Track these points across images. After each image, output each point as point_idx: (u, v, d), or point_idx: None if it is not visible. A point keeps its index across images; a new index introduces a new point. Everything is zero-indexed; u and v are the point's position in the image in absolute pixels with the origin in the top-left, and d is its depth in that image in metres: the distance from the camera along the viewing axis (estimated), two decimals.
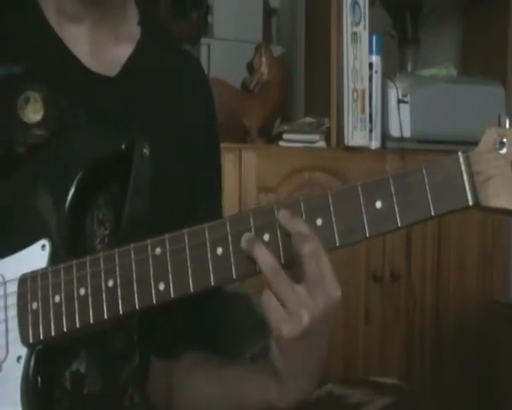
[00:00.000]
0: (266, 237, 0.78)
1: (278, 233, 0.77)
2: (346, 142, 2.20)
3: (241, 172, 2.10)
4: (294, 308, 0.75)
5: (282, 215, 0.77)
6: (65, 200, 0.88)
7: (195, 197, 1.02)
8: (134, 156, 0.87)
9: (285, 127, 2.26)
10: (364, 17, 2.21)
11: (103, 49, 0.99)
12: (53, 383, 0.90)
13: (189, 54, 1.16)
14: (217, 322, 1.07)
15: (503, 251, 2.37)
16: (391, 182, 0.76)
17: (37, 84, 0.92)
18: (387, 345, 2.25)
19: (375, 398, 1.81)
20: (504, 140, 0.74)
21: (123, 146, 0.88)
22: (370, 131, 2.23)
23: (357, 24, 2.21)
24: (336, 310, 0.78)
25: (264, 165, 2.12)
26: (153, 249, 0.81)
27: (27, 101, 0.92)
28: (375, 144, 2.25)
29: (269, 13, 2.74)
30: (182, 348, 1.03)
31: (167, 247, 0.81)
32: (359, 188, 0.76)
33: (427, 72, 2.46)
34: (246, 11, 2.57)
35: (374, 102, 2.24)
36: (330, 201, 0.77)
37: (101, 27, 0.99)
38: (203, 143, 1.06)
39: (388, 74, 2.28)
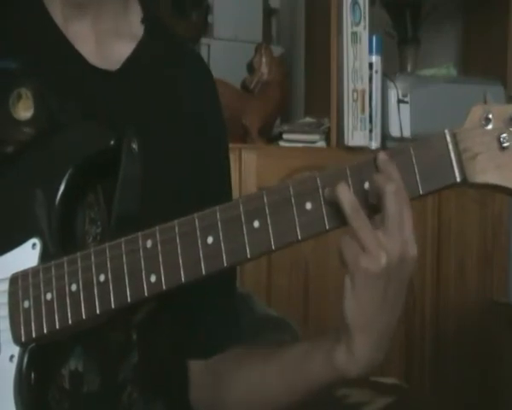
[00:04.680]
0: (256, 223, 0.77)
1: (268, 219, 0.77)
2: (346, 142, 2.20)
3: (241, 172, 2.10)
4: (372, 248, 0.74)
5: (382, 156, 0.76)
6: (55, 198, 0.87)
7: (202, 197, 1.02)
8: (122, 152, 0.87)
9: (285, 127, 2.26)
10: (364, 17, 2.21)
11: (106, 44, 1.00)
12: (48, 382, 0.89)
13: (195, 53, 1.15)
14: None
15: (503, 251, 2.37)
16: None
17: (30, 81, 0.92)
18: None
19: (375, 398, 1.81)
20: (490, 116, 0.74)
21: (111, 142, 0.87)
22: (370, 131, 2.24)
23: (357, 24, 2.21)
24: (409, 274, 0.78)
25: (264, 165, 2.12)
26: (143, 242, 0.81)
27: (19, 97, 0.91)
28: (375, 144, 2.25)
29: (269, 13, 2.74)
30: (221, 345, 1.02)
31: (158, 238, 0.80)
32: (348, 170, 0.77)
33: (427, 72, 2.46)
34: (246, 11, 2.57)
35: (374, 102, 2.24)
36: (319, 184, 0.77)
37: (103, 22, 1.00)
38: (208, 141, 1.05)
39: (388, 74, 2.28)
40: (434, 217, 2.28)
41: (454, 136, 0.75)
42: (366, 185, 0.76)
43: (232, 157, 2.09)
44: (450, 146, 0.75)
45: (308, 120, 2.28)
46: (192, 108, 1.04)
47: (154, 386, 1.00)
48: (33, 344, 0.85)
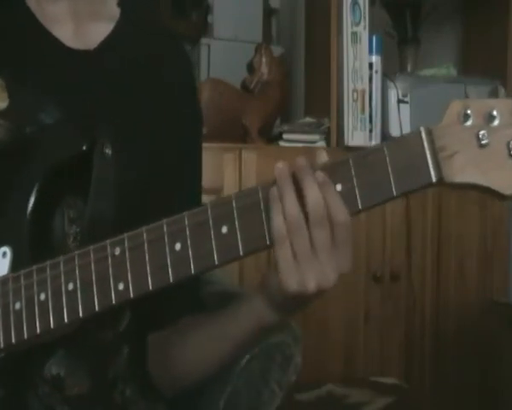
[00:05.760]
0: (224, 229, 0.76)
1: (236, 224, 0.76)
2: (346, 142, 2.20)
3: (241, 172, 2.10)
4: (304, 268, 0.75)
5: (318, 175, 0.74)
6: (26, 206, 0.86)
7: (173, 183, 1.02)
8: (94, 157, 0.86)
9: (285, 127, 2.26)
10: (364, 17, 2.21)
11: (83, 26, 1.01)
12: (25, 390, 0.88)
13: (172, 37, 1.14)
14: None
15: (503, 251, 2.37)
16: (351, 163, 0.73)
17: (4, 72, 0.91)
18: (387, 345, 2.25)
19: (375, 398, 1.81)
20: (469, 112, 0.70)
21: (83, 147, 0.87)
22: (370, 131, 2.23)
23: (357, 24, 2.21)
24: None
25: (264, 165, 2.12)
26: (112, 249, 0.80)
27: None
28: (375, 144, 2.24)
29: (269, 13, 2.74)
30: (172, 316, 1.02)
31: (126, 245, 0.79)
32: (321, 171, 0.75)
33: (427, 72, 2.46)
34: (246, 11, 2.57)
35: (374, 102, 2.24)
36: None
37: (81, 4, 1.00)
38: (181, 127, 1.05)
39: (388, 74, 2.28)
40: (435, 217, 2.28)
41: (430, 133, 0.72)
42: (338, 187, 0.74)
43: (232, 157, 2.12)
44: (426, 144, 0.71)
45: (308, 120, 2.28)
46: (169, 92, 1.04)
47: (150, 382, 0.99)
48: (2, 354, 0.84)
